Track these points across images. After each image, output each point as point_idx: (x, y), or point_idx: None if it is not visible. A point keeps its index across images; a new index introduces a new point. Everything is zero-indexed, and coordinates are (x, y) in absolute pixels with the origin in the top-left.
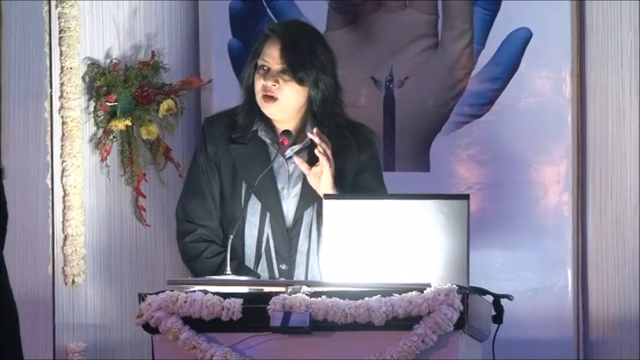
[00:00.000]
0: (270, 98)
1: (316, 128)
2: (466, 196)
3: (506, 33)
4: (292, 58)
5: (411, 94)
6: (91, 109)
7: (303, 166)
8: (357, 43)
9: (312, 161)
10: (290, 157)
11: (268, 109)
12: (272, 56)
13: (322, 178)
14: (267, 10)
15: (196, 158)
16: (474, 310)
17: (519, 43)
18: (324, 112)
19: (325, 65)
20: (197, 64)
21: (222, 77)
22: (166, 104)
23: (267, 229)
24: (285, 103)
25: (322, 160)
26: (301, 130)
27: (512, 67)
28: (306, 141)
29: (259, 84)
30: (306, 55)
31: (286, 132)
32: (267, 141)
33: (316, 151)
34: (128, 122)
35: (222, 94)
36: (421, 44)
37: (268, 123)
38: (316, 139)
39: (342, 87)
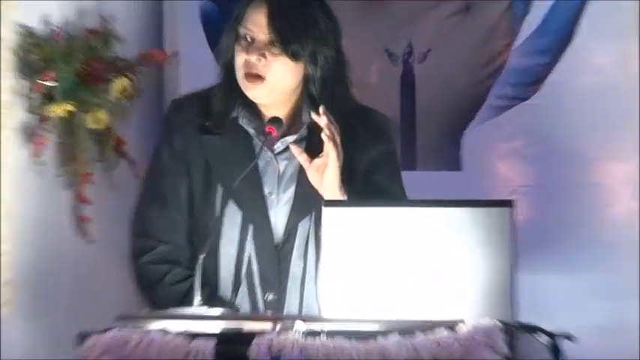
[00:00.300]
0: (254, 77)
1: (323, 107)
2: (509, 203)
3: None
4: (282, 26)
5: (436, 70)
6: (24, 90)
7: (302, 157)
8: (366, 7)
9: (312, 155)
10: (280, 153)
11: (252, 91)
12: (257, 24)
13: (327, 172)
14: None
15: (158, 154)
16: (523, 354)
17: (573, 7)
18: (324, 95)
19: (325, 35)
20: (160, 33)
21: (191, 50)
22: (120, 84)
23: (250, 247)
24: (274, 83)
25: (328, 147)
26: (294, 117)
27: (564, 36)
28: (301, 132)
29: (241, 59)
30: (300, 23)
31: (275, 120)
32: (251, 131)
33: (323, 135)
34: (70, 107)
35: (193, 71)
36: (447, 8)
37: (252, 108)
38: (323, 121)
39: (348, 62)
